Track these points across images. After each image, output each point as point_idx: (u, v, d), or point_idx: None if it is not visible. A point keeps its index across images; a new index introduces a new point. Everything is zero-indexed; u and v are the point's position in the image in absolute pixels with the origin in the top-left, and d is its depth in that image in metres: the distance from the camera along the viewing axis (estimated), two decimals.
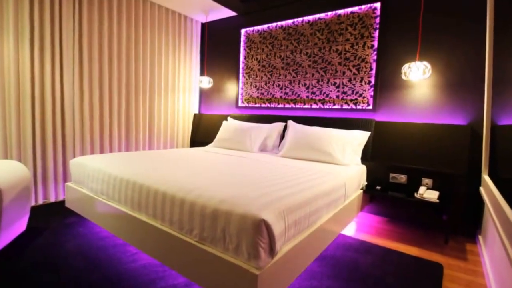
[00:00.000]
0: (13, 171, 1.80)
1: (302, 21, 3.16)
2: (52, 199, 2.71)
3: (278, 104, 3.37)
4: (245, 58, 3.65)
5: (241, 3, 3.30)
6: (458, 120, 2.35)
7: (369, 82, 2.75)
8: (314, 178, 1.82)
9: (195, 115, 4.13)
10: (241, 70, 3.70)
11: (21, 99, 2.45)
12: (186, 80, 3.94)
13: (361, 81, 2.80)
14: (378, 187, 2.52)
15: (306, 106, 3.16)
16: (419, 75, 2.32)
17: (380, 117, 2.72)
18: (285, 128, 3.16)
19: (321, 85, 3.05)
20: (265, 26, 3.45)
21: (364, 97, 2.79)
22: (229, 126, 3.31)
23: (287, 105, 3.30)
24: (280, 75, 3.34)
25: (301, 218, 1.41)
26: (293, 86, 3.24)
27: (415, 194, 2.26)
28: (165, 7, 3.53)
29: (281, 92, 3.34)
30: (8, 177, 1.69)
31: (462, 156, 2.24)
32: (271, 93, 3.43)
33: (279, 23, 3.33)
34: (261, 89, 3.51)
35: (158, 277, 1.55)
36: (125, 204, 1.73)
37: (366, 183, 2.60)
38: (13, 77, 2.39)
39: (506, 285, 1.27)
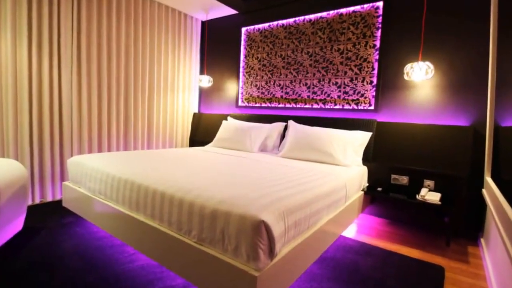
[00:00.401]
0: (10, 169, 1.80)
1: (304, 20, 3.16)
2: (49, 198, 2.70)
3: (279, 103, 3.37)
4: (245, 57, 3.65)
5: (242, 1, 3.30)
6: (460, 121, 2.35)
7: (371, 82, 2.75)
8: (314, 179, 1.82)
9: (194, 114, 4.13)
10: (241, 69, 3.69)
11: (18, 96, 2.45)
12: (185, 79, 3.94)
13: (363, 81, 2.80)
14: (379, 189, 2.52)
15: (307, 106, 3.16)
16: (421, 76, 2.32)
17: (381, 117, 2.72)
18: (285, 128, 3.16)
19: (322, 85, 3.04)
20: (266, 25, 3.45)
21: (365, 97, 2.79)
22: (229, 126, 3.31)
23: (287, 105, 3.30)
24: (281, 74, 3.34)
25: (301, 220, 1.41)
26: (294, 86, 3.24)
27: (417, 196, 2.26)
28: (164, 5, 3.53)
29: (282, 91, 3.34)
30: (5, 175, 1.69)
31: (465, 157, 2.24)
32: (271, 93, 3.43)
33: (280, 22, 3.33)
34: (262, 89, 3.51)
35: (156, 278, 1.55)
36: (123, 204, 1.72)
37: (367, 184, 2.60)
38: (10, 75, 2.38)
39: None
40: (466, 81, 2.32)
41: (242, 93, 3.71)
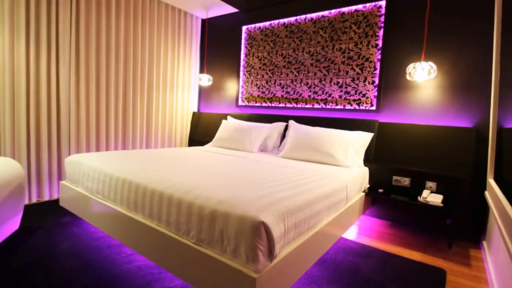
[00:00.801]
0: (7, 168, 1.80)
1: (305, 19, 3.16)
2: (46, 197, 2.70)
3: (279, 103, 3.37)
4: (246, 55, 3.65)
5: None
6: (463, 122, 2.35)
7: (373, 82, 2.75)
8: (315, 180, 1.82)
9: (194, 113, 4.13)
10: (241, 68, 3.70)
11: (15, 94, 2.45)
12: (185, 77, 3.94)
13: (364, 81, 2.80)
14: (380, 190, 2.52)
15: (308, 105, 3.16)
16: (424, 76, 2.32)
17: (383, 118, 2.72)
18: (286, 128, 3.16)
19: (324, 85, 3.05)
20: (267, 23, 3.45)
21: (367, 98, 2.79)
22: (228, 126, 3.31)
23: (288, 105, 3.30)
24: (281, 73, 3.34)
25: (301, 221, 1.41)
26: (295, 85, 3.24)
27: (419, 198, 2.26)
28: (164, 2, 3.53)
29: (283, 91, 3.34)
30: (1, 174, 1.69)
31: (467, 159, 2.24)
32: (272, 92, 3.43)
33: (282, 20, 3.33)
34: (262, 88, 3.51)
35: (153, 279, 1.55)
36: (121, 204, 1.72)
37: (368, 185, 2.60)
38: (7, 72, 2.38)
39: None
40: (469, 82, 2.32)
41: (242, 92, 3.71)
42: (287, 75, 3.30)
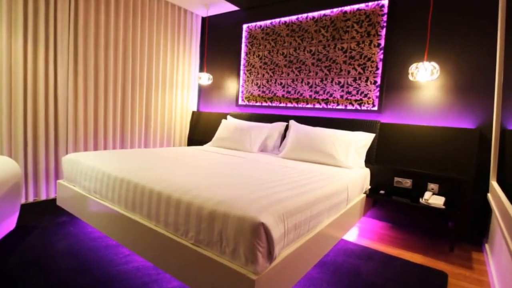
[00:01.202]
0: (3, 167, 1.80)
1: (307, 18, 3.16)
2: (43, 196, 2.70)
3: (280, 103, 3.37)
4: (246, 54, 3.65)
5: None
6: (466, 123, 2.35)
7: (375, 82, 2.75)
8: (315, 181, 1.82)
9: (193, 112, 4.13)
10: (242, 67, 3.70)
11: (13, 92, 2.45)
12: (184, 76, 3.94)
13: (366, 81, 2.80)
14: (382, 192, 2.53)
15: (309, 105, 3.16)
16: (426, 76, 2.32)
17: (385, 118, 2.72)
18: (286, 128, 3.16)
19: (325, 84, 3.05)
20: (268, 22, 3.45)
21: (369, 98, 2.79)
22: (228, 125, 3.31)
23: (289, 104, 3.30)
24: (282, 73, 3.34)
25: (301, 222, 1.41)
26: (296, 85, 3.24)
27: (420, 200, 2.26)
28: (164, 0, 3.53)
29: (283, 90, 3.34)
30: None
31: (470, 161, 2.24)
32: (272, 92, 3.43)
33: (283, 19, 3.33)
34: (263, 87, 3.51)
35: (151, 280, 1.55)
36: (118, 204, 1.72)
37: (369, 187, 2.60)
38: (5, 69, 2.38)
39: None
40: (473, 82, 2.32)
41: (242, 92, 3.71)
42: (288, 74, 3.30)
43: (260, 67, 3.52)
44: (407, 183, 2.51)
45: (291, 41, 3.27)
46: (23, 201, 2.58)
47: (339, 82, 2.96)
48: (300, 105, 3.22)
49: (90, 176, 1.94)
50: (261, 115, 3.41)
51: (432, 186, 2.40)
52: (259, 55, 3.53)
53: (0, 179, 1.69)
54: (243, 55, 3.68)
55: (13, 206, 1.89)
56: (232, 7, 3.66)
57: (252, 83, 3.61)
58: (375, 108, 2.75)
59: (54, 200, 2.62)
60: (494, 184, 1.93)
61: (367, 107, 2.81)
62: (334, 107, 2.99)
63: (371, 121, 2.70)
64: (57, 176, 2.78)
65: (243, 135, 3.09)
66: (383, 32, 2.70)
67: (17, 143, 2.48)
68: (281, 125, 3.15)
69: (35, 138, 2.61)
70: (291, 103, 3.28)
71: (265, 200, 1.31)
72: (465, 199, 2.28)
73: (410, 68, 2.39)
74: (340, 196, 1.90)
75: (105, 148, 3.14)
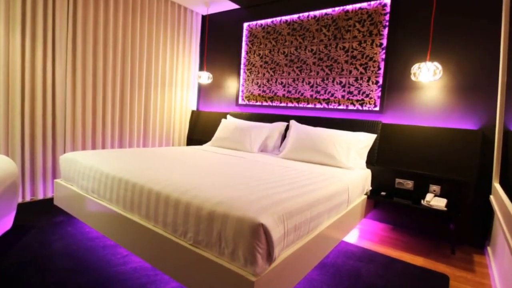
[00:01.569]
0: (0, 165, 1.80)
1: (308, 16, 3.16)
2: (40, 196, 2.71)
3: (281, 102, 3.37)
4: (247, 53, 3.65)
5: None
6: (469, 124, 2.36)
7: (377, 82, 2.75)
8: (316, 182, 1.82)
9: (192, 112, 4.13)
10: (242, 66, 3.70)
11: (10, 90, 2.45)
12: (184, 74, 3.94)
13: (368, 81, 2.80)
14: (383, 193, 2.53)
15: (309, 105, 3.16)
16: (429, 76, 2.32)
17: (387, 119, 2.72)
18: (287, 128, 3.16)
19: (326, 84, 3.05)
20: (268, 21, 3.45)
21: (371, 98, 2.79)
22: (228, 125, 3.31)
23: (289, 104, 3.30)
24: (283, 72, 3.34)
25: (301, 223, 1.41)
26: (297, 84, 3.24)
27: (422, 201, 2.26)
28: None
29: (284, 90, 3.34)
30: None
31: (472, 162, 2.24)
32: (273, 91, 3.43)
33: (284, 18, 3.33)
34: (263, 87, 3.51)
35: (149, 281, 1.55)
36: (116, 204, 1.73)
37: (370, 188, 2.60)
38: (2, 67, 2.38)
39: None
40: (476, 83, 2.32)
41: (242, 91, 3.71)
42: (289, 73, 3.30)
43: (261, 66, 3.52)
44: (409, 184, 2.51)
45: (292, 40, 3.27)
46: (20, 200, 2.58)
47: (341, 82, 2.96)
48: (301, 105, 3.22)
49: (88, 175, 1.94)
50: (261, 114, 3.41)
51: (434, 187, 2.41)
52: (259, 54, 3.53)
53: None
54: (243, 54, 3.68)
55: (10, 206, 1.89)
56: (233, 5, 3.66)
57: (252, 82, 3.61)
58: (377, 109, 2.75)
59: (51, 199, 2.63)
60: (496, 186, 1.93)
61: (368, 108, 2.81)
62: (335, 107, 2.99)
63: (372, 122, 2.70)
64: (55, 175, 2.78)
65: (243, 135, 3.09)
66: (385, 31, 2.70)
67: (14, 141, 2.48)
68: (281, 125, 3.15)
69: (33, 136, 2.61)
70: (292, 102, 3.28)
71: (265, 200, 1.31)
72: (467, 201, 2.28)
73: (412, 68, 2.40)
74: (340, 197, 1.90)
75: (103, 147, 3.15)
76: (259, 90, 3.55)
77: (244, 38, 3.67)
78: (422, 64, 2.32)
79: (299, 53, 3.22)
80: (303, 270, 1.50)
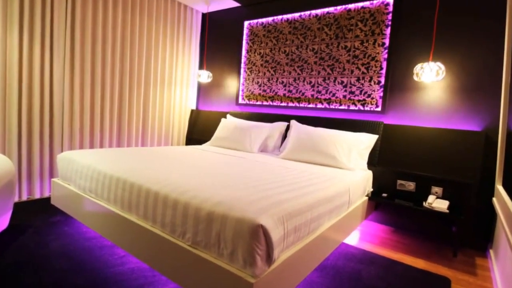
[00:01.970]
0: None
1: (310, 15, 3.16)
2: (37, 195, 2.70)
3: (281, 102, 3.37)
4: (247, 52, 3.65)
5: None
6: (472, 125, 2.36)
7: (379, 82, 2.75)
8: (316, 182, 1.82)
9: (192, 111, 4.13)
10: (242, 65, 3.70)
11: (7, 88, 2.45)
12: (183, 73, 3.94)
13: (370, 81, 2.80)
14: (384, 195, 2.53)
15: (310, 105, 3.16)
16: (432, 77, 2.32)
17: (389, 119, 2.72)
18: (287, 128, 3.16)
19: (328, 84, 3.05)
20: (269, 19, 3.45)
21: (372, 98, 2.79)
22: (228, 124, 3.31)
23: (290, 104, 3.30)
24: (284, 71, 3.34)
25: (302, 225, 1.41)
26: (298, 84, 3.24)
27: (424, 203, 2.26)
28: None
29: (285, 89, 3.34)
30: None
31: (475, 164, 2.24)
32: (274, 91, 3.43)
33: (285, 16, 3.33)
34: (264, 86, 3.51)
35: (146, 282, 1.55)
36: (114, 204, 1.73)
37: (371, 189, 2.60)
38: None
39: None
40: (479, 84, 2.32)
41: (242, 90, 3.71)
42: (290, 73, 3.30)
43: (261, 65, 3.52)
44: (410, 186, 2.51)
45: (293, 39, 3.27)
46: (16, 199, 2.58)
47: (342, 82, 2.96)
48: (301, 105, 3.22)
49: (85, 174, 1.94)
50: (261, 114, 3.41)
51: (436, 189, 2.41)
52: (260, 53, 3.53)
53: None
54: (244, 52, 3.68)
55: (6, 205, 1.89)
56: (234, 4, 3.66)
57: (252, 81, 3.61)
58: (379, 109, 2.75)
59: (48, 199, 2.63)
60: (499, 188, 1.93)
61: (370, 108, 2.81)
62: (336, 107, 2.99)
63: (374, 122, 2.70)
64: (52, 174, 2.78)
65: (243, 134, 3.09)
66: (388, 31, 2.70)
67: (11, 139, 2.48)
68: (282, 125, 3.15)
69: (30, 135, 2.61)
70: (293, 102, 3.28)
71: (264, 201, 1.31)
72: (469, 203, 2.28)
73: (415, 68, 2.40)
74: (341, 199, 1.90)
75: (101, 146, 3.15)
76: (260, 89, 3.55)
77: (244, 37, 3.67)
78: (425, 64, 2.32)
79: (300, 52, 3.22)
80: (303, 272, 1.50)
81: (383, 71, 2.73)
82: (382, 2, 2.73)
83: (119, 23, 3.11)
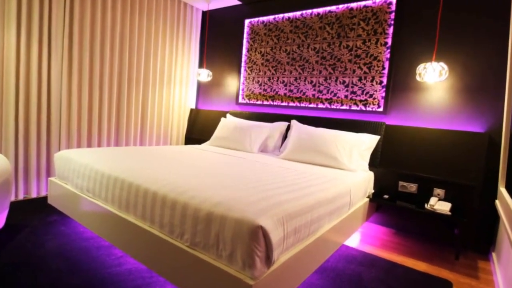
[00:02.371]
0: None
1: (311, 14, 3.16)
2: (33, 194, 2.70)
3: (282, 102, 3.37)
4: (248, 51, 3.65)
5: None
6: (475, 127, 2.35)
7: (381, 82, 2.75)
8: (317, 183, 1.82)
9: (191, 110, 4.13)
10: (243, 64, 3.70)
11: (4, 86, 2.45)
12: (183, 72, 3.94)
13: (372, 81, 2.80)
14: (385, 196, 2.52)
15: (311, 105, 3.16)
16: (435, 77, 2.32)
17: (391, 120, 2.72)
18: (288, 128, 3.16)
19: (329, 83, 3.05)
20: (271, 17, 3.45)
21: (374, 98, 2.79)
22: (227, 124, 3.31)
23: (291, 103, 3.30)
24: (285, 70, 3.34)
25: (302, 226, 1.41)
26: (299, 83, 3.24)
27: (426, 205, 2.26)
28: None
29: (286, 89, 3.34)
30: None
31: (478, 166, 2.24)
32: (274, 90, 3.43)
33: (286, 15, 3.33)
34: (264, 85, 3.51)
35: (144, 284, 1.55)
36: (112, 204, 1.72)
37: (373, 191, 2.60)
38: None
39: None
40: (482, 84, 2.32)
41: (243, 89, 3.71)
42: (291, 72, 3.30)
43: (262, 64, 3.52)
44: (412, 187, 2.51)
45: (295, 37, 3.27)
46: (12, 198, 2.58)
47: (344, 82, 2.96)
48: (302, 105, 3.22)
49: (83, 174, 1.94)
50: (262, 114, 3.41)
51: (438, 191, 2.40)
52: (261, 52, 3.53)
53: None
54: (244, 51, 3.68)
55: (2, 204, 1.89)
56: (234, 1, 3.66)
57: (253, 80, 3.61)
58: (381, 109, 2.75)
59: (45, 198, 2.62)
60: (502, 190, 1.93)
61: (372, 108, 2.81)
62: (338, 107, 2.99)
63: (376, 123, 2.70)
64: (49, 173, 2.78)
65: (243, 134, 3.09)
66: (391, 30, 2.70)
67: (7, 138, 2.48)
68: (282, 125, 3.15)
69: (27, 133, 2.61)
70: (293, 102, 3.28)
71: (264, 202, 1.31)
72: (472, 205, 2.28)
73: (417, 68, 2.39)
74: (342, 200, 1.90)
75: (99, 145, 3.14)
76: (260, 88, 3.55)
77: (245, 35, 3.67)
78: (428, 64, 2.32)
79: (301, 51, 3.22)
80: (303, 274, 1.50)
81: (385, 71, 2.73)
82: (385, 1, 2.73)
83: (118, 20, 3.11)
